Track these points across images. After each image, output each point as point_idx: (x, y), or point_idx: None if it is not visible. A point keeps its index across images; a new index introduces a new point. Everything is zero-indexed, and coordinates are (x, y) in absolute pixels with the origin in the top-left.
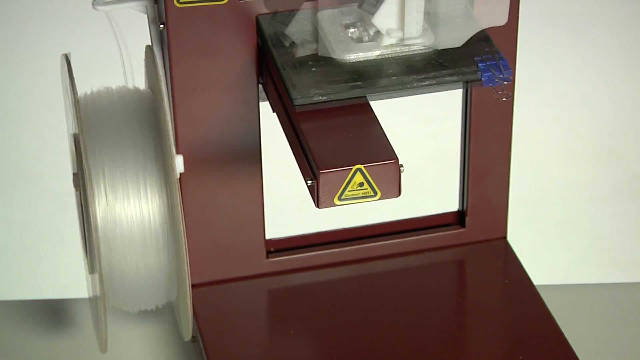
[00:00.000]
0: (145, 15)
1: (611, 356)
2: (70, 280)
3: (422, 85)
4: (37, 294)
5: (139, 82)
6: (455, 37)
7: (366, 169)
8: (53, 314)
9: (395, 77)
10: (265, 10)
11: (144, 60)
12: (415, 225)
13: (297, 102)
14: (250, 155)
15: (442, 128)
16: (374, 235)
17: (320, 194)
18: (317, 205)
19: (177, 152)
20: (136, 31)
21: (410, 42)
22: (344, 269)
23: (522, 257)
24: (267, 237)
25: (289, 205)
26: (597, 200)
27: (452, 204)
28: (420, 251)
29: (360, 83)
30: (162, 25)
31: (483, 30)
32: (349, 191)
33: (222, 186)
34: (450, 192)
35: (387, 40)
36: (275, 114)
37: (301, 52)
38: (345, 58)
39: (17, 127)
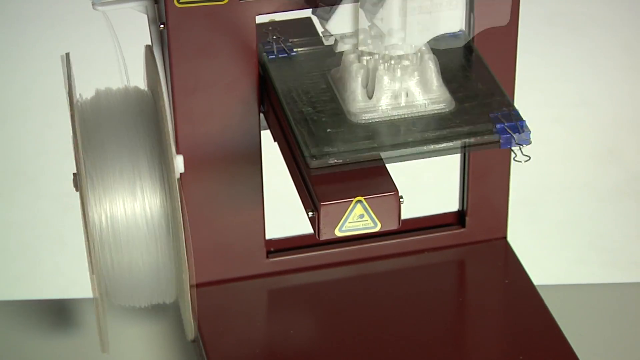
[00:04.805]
0: (145, 15)
1: (611, 356)
2: (70, 280)
3: (440, 149)
4: (37, 294)
5: (139, 82)
6: (408, 45)
7: (366, 201)
8: (53, 314)
9: (411, 141)
10: (265, 11)
11: (144, 60)
12: (415, 225)
13: (313, 165)
14: (250, 155)
15: None
16: (374, 235)
17: (321, 226)
18: (318, 237)
19: (177, 152)
20: (136, 31)
21: (429, 106)
22: (344, 269)
23: (522, 257)
24: (267, 237)
25: (289, 205)
26: (597, 200)
27: (452, 204)
28: (420, 251)
29: (375, 146)
30: (162, 25)
31: (498, 84)
32: (349, 223)
33: (222, 186)
34: (450, 192)
35: (341, 47)
36: (276, 143)
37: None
38: (360, 119)
39: (18, 128)
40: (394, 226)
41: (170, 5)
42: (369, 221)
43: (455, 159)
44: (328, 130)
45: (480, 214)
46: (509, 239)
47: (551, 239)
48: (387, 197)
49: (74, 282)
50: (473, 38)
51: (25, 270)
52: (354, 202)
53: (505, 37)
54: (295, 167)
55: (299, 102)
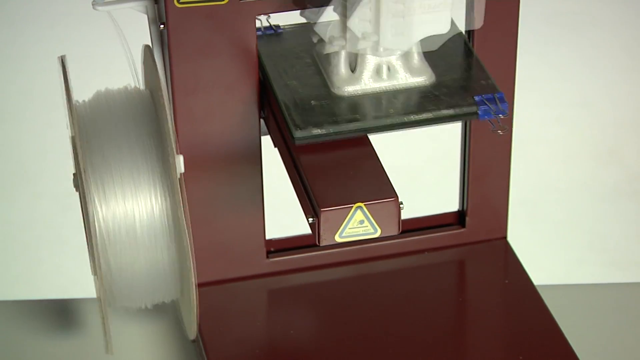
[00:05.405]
0: (145, 15)
1: (611, 356)
2: (70, 280)
3: (420, 120)
4: (37, 294)
5: (140, 82)
6: (431, 41)
7: (366, 207)
8: (53, 314)
9: (393, 112)
10: (265, 11)
11: (142, 60)
12: (415, 225)
13: (297, 135)
14: (250, 155)
15: (442, 128)
16: None
17: (321, 232)
18: (318, 243)
19: (178, 152)
20: (136, 31)
21: (410, 79)
22: (344, 269)
23: (522, 257)
24: (267, 237)
25: (289, 205)
26: (597, 200)
27: (452, 204)
28: (421, 251)
29: (358, 117)
30: (162, 26)
31: (479, 62)
32: (349, 228)
33: (222, 186)
34: (450, 192)
35: (362, 44)
36: (277, 148)
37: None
38: (343, 92)
39: (17, 128)
40: (394, 232)
41: (170, 5)
42: (369, 227)
43: (455, 159)
44: (312, 102)
45: (480, 214)
46: (509, 239)
47: (551, 239)
48: (387, 203)
49: (74, 282)
50: (470, 36)
51: (25, 270)
52: (354, 207)
53: (505, 37)
54: (295, 172)
55: (285, 76)
